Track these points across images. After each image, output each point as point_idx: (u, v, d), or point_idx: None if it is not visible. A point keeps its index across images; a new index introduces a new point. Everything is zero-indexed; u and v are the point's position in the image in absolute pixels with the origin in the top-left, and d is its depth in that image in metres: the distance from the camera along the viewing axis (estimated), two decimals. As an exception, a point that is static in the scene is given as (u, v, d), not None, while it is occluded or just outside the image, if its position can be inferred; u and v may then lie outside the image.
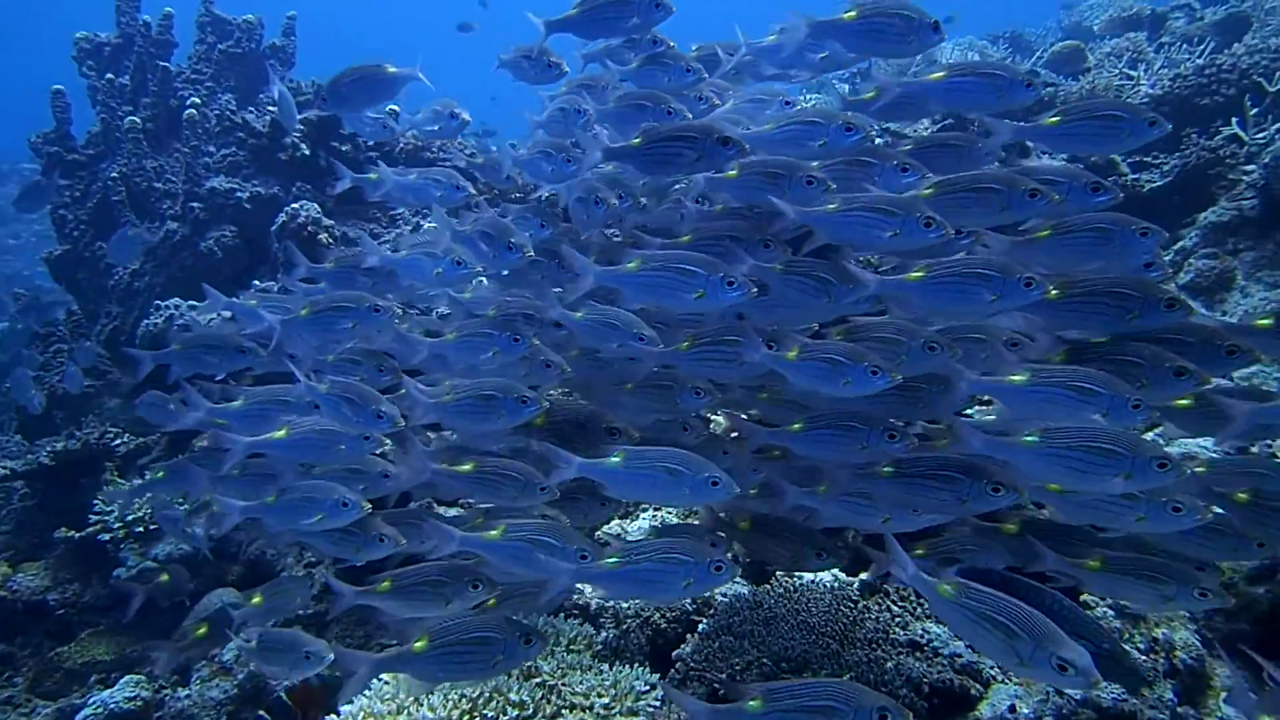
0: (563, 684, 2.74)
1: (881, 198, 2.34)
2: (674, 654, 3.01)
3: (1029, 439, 2.06)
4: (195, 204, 5.66)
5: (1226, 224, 4.73)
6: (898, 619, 3.04)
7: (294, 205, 5.24)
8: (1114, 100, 5.19)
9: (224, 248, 5.54)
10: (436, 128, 3.29)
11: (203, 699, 3.70)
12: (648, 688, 2.77)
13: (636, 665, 2.89)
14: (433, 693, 2.65)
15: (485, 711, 2.63)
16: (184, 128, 5.92)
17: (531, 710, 2.65)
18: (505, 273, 3.09)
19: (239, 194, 5.60)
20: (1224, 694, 2.76)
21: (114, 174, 5.92)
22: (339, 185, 3.30)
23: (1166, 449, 2.23)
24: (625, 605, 3.21)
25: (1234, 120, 5.10)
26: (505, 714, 2.61)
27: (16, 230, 13.49)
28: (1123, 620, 2.93)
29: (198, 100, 6.06)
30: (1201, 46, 6.36)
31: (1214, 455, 3.11)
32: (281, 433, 2.70)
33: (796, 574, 3.19)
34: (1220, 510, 2.24)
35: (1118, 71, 6.27)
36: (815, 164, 2.55)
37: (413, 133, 5.55)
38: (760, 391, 2.69)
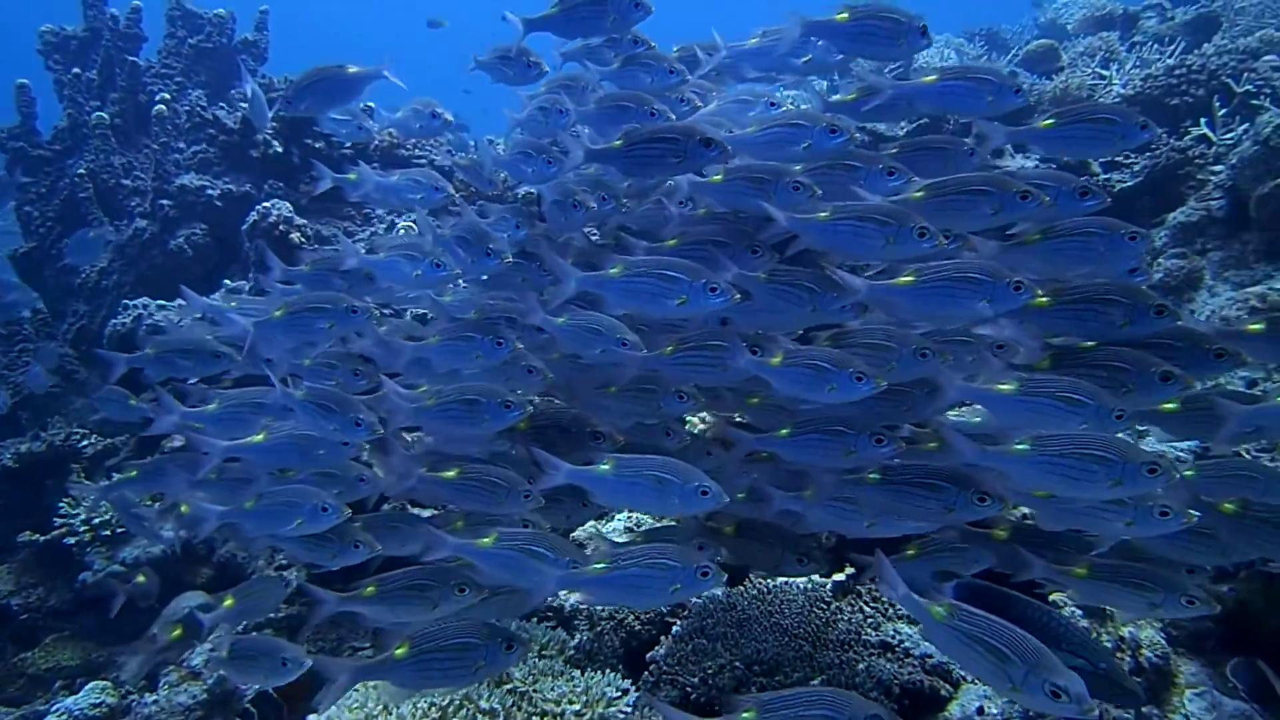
0: (534, 690, 2.72)
1: (875, 206, 2.32)
2: (647, 656, 3.00)
3: (1020, 447, 2.05)
4: (165, 201, 5.56)
5: (1195, 224, 4.79)
6: (870, 620, 3.05)
7: (266, 204, 5.17)
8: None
9: (194, 246, 5.45)
10: (418, 126, 3.24)
11: (170, 704, 3.60)
12: (619, 694, 2.77)
13: (609, 670, 2.88)
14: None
15: (455, 719, 2.60)
16: (153, 124, 5.81)
17: (502, 717, 2.63)
18: (485, 277, 3.05)
19: (210, 191, 5.51)
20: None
21: (81, 170, 5.80)
22: (319, 186, 3.24)
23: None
24: (600, 607, 3.19)
25: (1203, 121, 5.16)
26: (475, 722, 2.59)
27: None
28: (1090, 619, 2.95)
29: (167, 96, 5.95)
30: (1172, 46, 6.42)
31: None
32: (259, 437, 2.66)
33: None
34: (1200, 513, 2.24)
35: (1090, 71, 6.32)
36: (799, 167, 2.53)
37: (389, 130, 5.48)
38: (750, 397, 2.67)
